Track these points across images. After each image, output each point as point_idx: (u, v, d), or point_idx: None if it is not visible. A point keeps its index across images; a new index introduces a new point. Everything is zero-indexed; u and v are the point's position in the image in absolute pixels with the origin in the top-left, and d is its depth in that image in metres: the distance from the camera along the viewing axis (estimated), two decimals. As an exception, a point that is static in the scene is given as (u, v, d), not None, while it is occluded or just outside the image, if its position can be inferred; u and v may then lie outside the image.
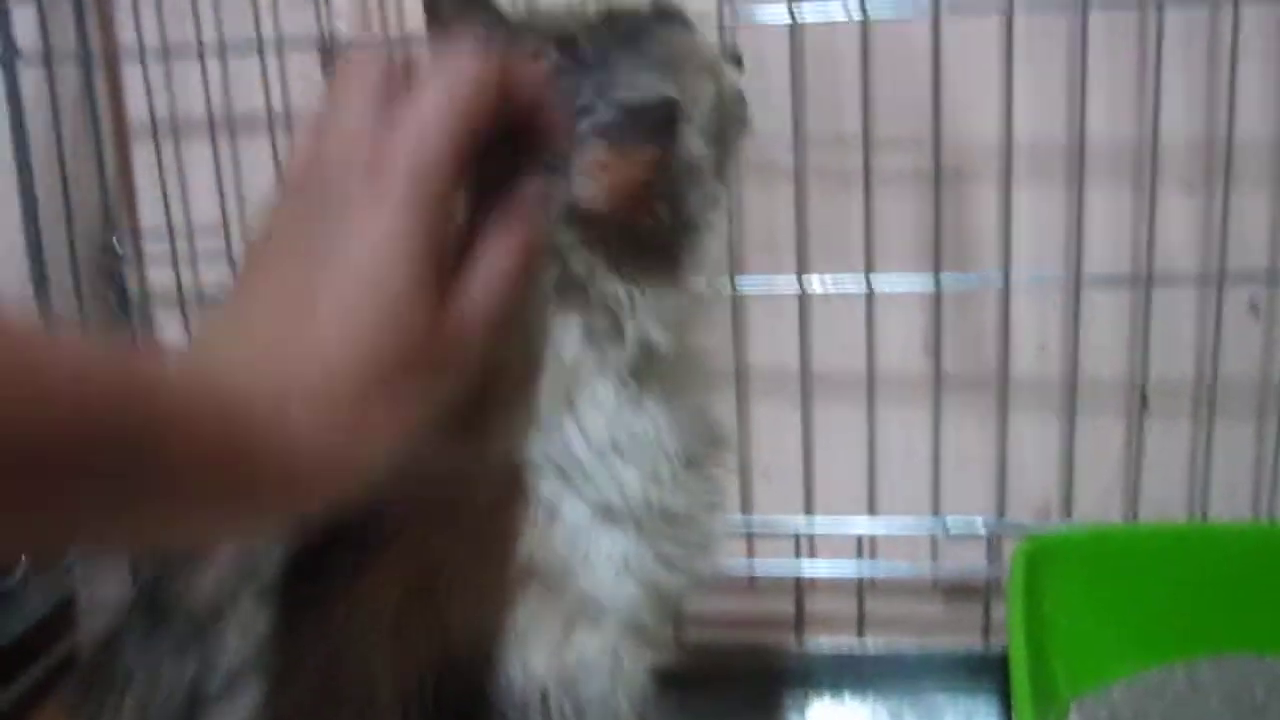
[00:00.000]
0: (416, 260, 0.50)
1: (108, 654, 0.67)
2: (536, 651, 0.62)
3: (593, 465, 0.62)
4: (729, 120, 0.66)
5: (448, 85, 0.52)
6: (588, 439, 0.62)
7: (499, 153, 0.57)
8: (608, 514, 0.63)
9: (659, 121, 0.60)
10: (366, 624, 0.62)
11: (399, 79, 0.54)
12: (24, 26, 1.02)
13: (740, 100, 0.68)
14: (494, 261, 0.54)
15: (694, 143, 0.62)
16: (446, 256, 0.52)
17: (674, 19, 0.64)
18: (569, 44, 0.61)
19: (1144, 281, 1.01)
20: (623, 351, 0.62)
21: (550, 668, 0.62)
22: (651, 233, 0.61)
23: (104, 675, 0.66)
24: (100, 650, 0.68)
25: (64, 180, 1.02)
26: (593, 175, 0.59)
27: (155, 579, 0.68)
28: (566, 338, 0.62)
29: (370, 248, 0.49)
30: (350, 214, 0.50)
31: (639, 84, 0.61)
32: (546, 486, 0.62)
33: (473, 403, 0.59)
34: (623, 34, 0.62)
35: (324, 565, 0.63)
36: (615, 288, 0.61)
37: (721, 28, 0.94)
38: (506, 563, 0.62)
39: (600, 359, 0.63)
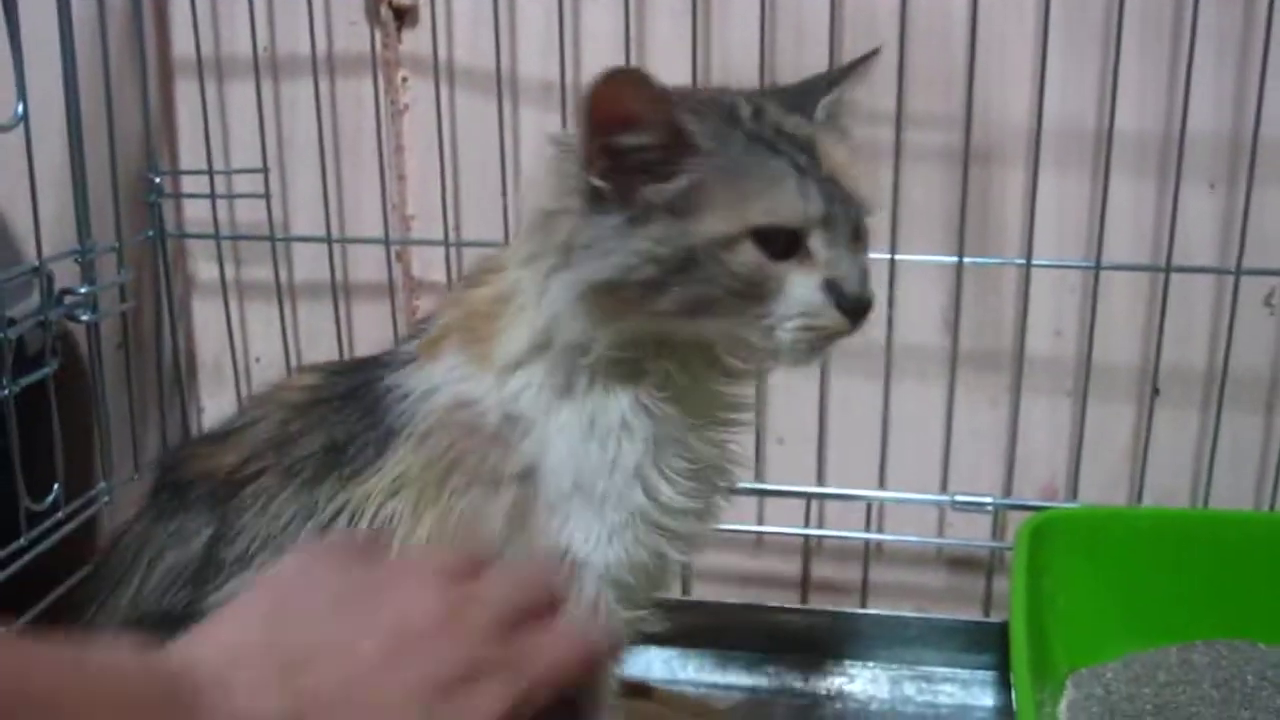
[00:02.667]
0: None
1: (129, 529, 0.72)
2: None
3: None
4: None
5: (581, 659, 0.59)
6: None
7: None
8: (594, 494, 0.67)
9: None
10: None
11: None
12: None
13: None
14: None
15: None
16: None
17: None
18: None
19: (1162, 270, 1.03)
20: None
21: None
22: None
23: (122, 547, 0.71)
24: (122, 530, 0.73)
25: (109, 113, 1.04)
26: None
27: (177, 455, 0.73)
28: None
29: None
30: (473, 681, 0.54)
31: None
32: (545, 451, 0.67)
33: None
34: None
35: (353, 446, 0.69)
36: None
37: None
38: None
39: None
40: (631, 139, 0.62)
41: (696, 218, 0.62)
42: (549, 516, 0.66)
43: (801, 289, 0.63)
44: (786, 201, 0.63)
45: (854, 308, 0.63)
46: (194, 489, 0.70)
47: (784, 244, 0.62)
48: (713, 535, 0.74)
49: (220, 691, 0.47)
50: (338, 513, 0.67)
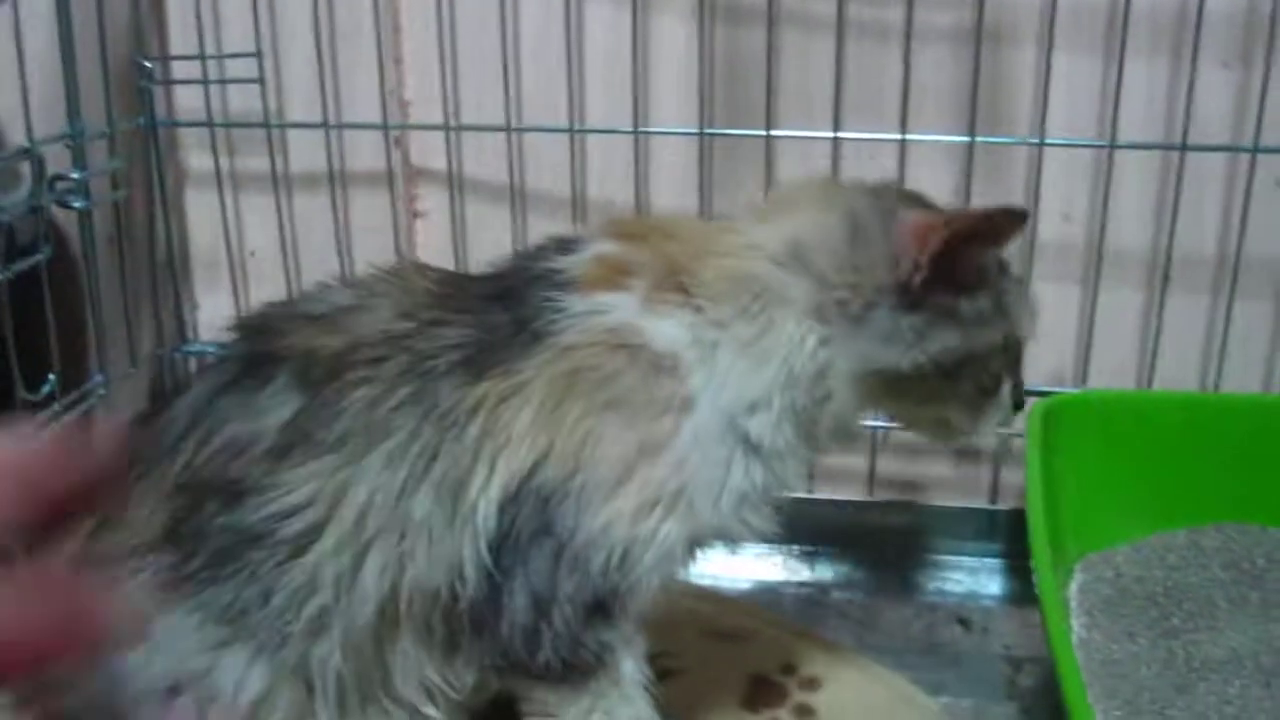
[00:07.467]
0: None
1: (182, 396, 0.72)
2: (622, 513, 0.68)
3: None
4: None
5: None
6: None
7: None
8: (749, 450, 0.72)
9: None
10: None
11: None
12: None
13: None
14: None
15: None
16: None
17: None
18: None
19: (1177, 149, 1.01)
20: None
21: (626, 534, 0.68)
22: None
23: (176, 413, 0.70)
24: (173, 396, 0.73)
25: (99, -1, 1.02)
26: None
27: (262, 326, 0.73)
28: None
29: None
30: None
31: None
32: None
33: None
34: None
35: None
36: None
37: None
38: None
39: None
40: (984, 260, 0.71)
41: (982, 329, 0.72)
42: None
43: (1005, 389, 0.76)
44: (1028, 320, 0.76)
45: (1018, 409, 0.79)
46: (282, 365, 0.68)
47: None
48: None
49: None
50: (453, 408, 0.67)
